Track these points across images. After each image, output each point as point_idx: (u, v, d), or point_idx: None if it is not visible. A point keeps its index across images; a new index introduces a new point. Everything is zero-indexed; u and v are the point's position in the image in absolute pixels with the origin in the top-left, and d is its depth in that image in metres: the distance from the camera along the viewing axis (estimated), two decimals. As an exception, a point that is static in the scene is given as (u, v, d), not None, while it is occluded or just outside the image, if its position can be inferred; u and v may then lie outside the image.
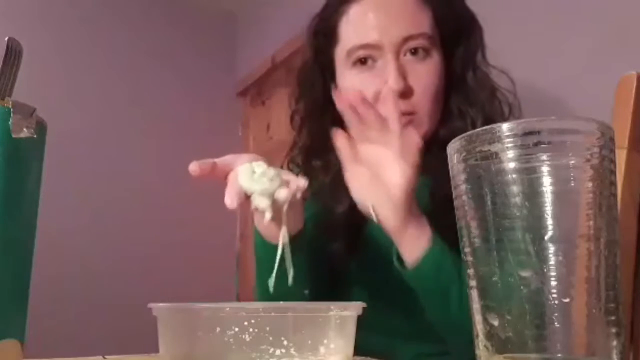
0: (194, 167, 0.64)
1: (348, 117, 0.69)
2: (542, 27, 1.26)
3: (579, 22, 1.18)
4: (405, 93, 0.80)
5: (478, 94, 0.85)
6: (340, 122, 0.88)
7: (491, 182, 0.42)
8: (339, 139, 0.70)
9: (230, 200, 0.60)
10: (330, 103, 0.89)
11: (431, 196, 0.84)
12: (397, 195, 0.66)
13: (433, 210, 0.84)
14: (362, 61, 0.83)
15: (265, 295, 0.77)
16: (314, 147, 0.90)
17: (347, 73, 0.85)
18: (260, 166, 0.62)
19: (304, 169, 0.90)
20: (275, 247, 0.70)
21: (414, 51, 0.81)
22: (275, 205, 0.62)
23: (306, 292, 0.74)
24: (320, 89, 0.89)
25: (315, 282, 0.77)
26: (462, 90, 0.86)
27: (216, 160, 0.66)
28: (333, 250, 0.81)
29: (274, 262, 0.69)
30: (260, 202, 0.61)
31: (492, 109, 0.84)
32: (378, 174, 0.67)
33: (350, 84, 0.84)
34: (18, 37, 0.42)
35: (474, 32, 0.87)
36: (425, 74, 0.82)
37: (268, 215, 0.61)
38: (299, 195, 0.64)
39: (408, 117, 0.81)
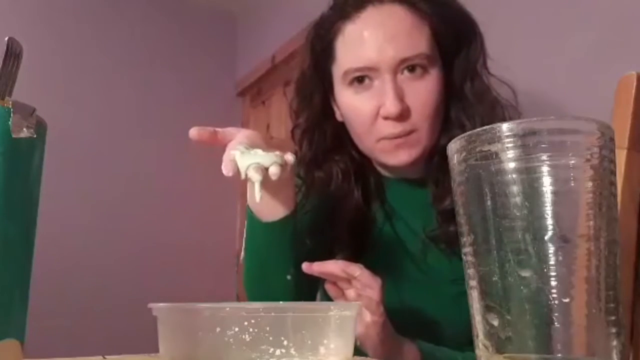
0: (193, 131, 0.68)
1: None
2: (542, 27, 1.26)
3: (579, 22, 1.18)
4: (403, 115, 0.79)
5: (476, 107, 0.84)
6: (339, 134, 0.88)
7: (491, 182, 0.42)
8: (331, 290, 0.75)
9: (227, 169, 0.64)
10: (330, 113, 0.90)
11: (434, 207, 0.85)
12: (371, 336, 0.72)
13: (436, 220, 0.84)
14: (359, 80, 0.82)
15: (251, 274, 0.81)
16: (315, 159, 0.90)
17: (345, 91, 0.84)
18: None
19: (306, 180, 0.90)
20: (265, 225, 0.74)
21: (412, 68, 0.80)
22: (267, 180, 0.64)
23: (289, 277, 0.76)
24: (320, 100, 0.89)
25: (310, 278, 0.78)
26: (461, 102, 0.85)
27: (218, 129, 0.69)
28: (344, 258, 0.81)
29: (262, 241, 0.72)
30: (254, 175, 0.63)
31: (492, 121, 0.82)
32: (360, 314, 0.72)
33: (348, 102, 0.84)
34: (18, 37, 0.42)
35: (475, 41, 0.85)
36: (423, 92, 0.81)
37: (257, 189, 0.64)
38: (289, 169, 0.67)
39: (406, 138, 0.81)
